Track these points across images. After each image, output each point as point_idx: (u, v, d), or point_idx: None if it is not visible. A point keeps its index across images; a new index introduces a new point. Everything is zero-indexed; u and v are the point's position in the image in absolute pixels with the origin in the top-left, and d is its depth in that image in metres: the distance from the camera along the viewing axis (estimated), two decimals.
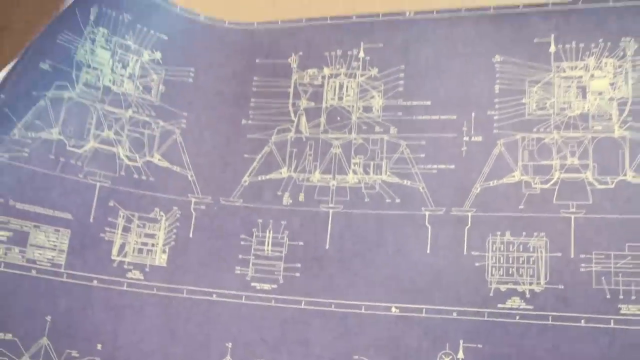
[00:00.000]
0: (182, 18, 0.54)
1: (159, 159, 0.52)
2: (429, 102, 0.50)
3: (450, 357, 0.44)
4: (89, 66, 0.51)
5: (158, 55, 0.53)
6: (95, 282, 0.49)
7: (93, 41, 0.51)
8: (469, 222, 0.46)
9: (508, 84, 0.49)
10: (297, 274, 0.48)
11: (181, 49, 0.54)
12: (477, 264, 0.46)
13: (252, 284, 0.49)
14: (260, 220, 0.50)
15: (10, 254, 0.47)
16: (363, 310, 0.46)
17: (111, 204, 0.50)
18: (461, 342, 0.44)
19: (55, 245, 0.48)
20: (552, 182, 0.46)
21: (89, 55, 0.51)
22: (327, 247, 0.48)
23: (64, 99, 0.50)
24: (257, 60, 0.54)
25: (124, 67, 0.52)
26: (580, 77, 0.48)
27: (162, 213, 0.51)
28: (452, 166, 0.48)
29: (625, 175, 0.45)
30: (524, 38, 0.49)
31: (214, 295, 0.49)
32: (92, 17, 0.51)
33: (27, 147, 0.48)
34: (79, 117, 0.50)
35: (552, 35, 0.48)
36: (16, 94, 0.48)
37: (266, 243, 0.50)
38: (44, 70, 0.49)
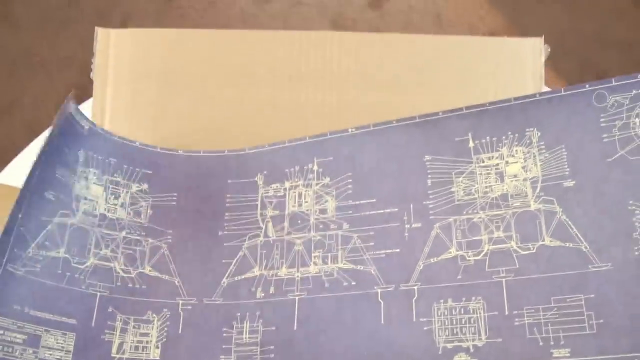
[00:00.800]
0: (163, 155, 0.65)
1: (149, 270, 0.60)
2: (374, 200, 0.58)
3: None
4: (85, 198, 0.60)
5: (145, 186, 0.63)
6: None
7: (86, 179, 0.61)
8: (416, 294, 0.53)
9: (438, 177, 0.57)
10: (272, 355, 0.54)
11: (164, 179, 0.64)
12: (425, 328, 0.52)
13: None
14: (238, 314, 0.57)
15: (25, 354, 0.54)
16: None
17: (110, 309, 0.58)
18: None
19: (62, 347, 0.55)
20: (483, 253, 0.53)
21: (85, 190, 0.61)
22: (295, 328, 0.55)
23: (67, 225, 0.59)
24: (229, 181, 0.63)
25: (116, 198, 0.62)
26: (497, 164, 0.56)
27: (154, 315, 0.58)
28: (398, 250, 0.55)
29: (543, 240, 0.52)
30: (447, 138, 0.58)
31: None
32: (81, 160, 0.61)
33: (39, 263, 0.57)
34: (80, 239, 0.59)
35: (470, 134, 0.57)
36: (30, 217, 0.57)
37: (244, 332, 0.56)
38: (49, 199, 0.58)
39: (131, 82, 0.67)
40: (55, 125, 0.60)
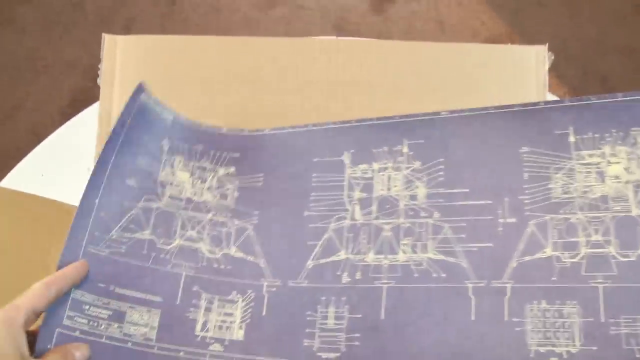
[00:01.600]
0: (249, 137, 0.63)
1: (235, 251, 0.59)
2: (467, 190, 0.56)
3: None
4: (171, 184, 0.60)
5: (232, 169, 0.62)
6: (182, 354, 0.55)
7: (172, 166, 0.60)
8: (508, 292, 0.52)
9: (535, 171, 0.55)
10: (357, 343, 0.54)
11: (251, 161, 0.63)
12: (517, 329, 0.51)
13: (318, 354, 0.54)
14: (323, 298, 0.56)
15: (110, 329, 0.55)
16: None
17: (195, 288, 0.57)
18: None
19: (147, 323, 0.56)
20: (580, 256, 0.52)
21: (170, 176, 0.60)
22: (383, 317, 0.54)
23: (153, 209, 0.58)
24: (315, 160, 0.61)
25: (203, 182, 0.61)
26: (598, 163, 0.54)
27: (238, 295, 0.58)
28: (491, 244, 0.54)
29: None
30: (546, 130, 0.56)
31: None
32: (165, 149, 0.60)
33: (124, 245, 0.57)
34: (166, 221, 0.59)
35: (571, 128, 0.55)
36: (110, 203, 0.57)
37: (329, 317, 0.56)
38: (131, 187, 0.58)
39: (140, 63, 0.66)
40: (129, 115, 0.59)
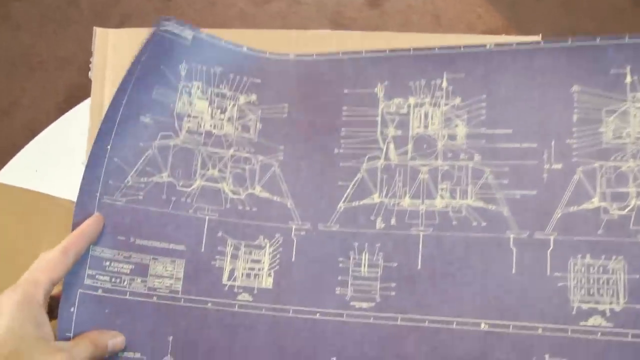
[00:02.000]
0: (272, 60, 0.58)
1: (260, 191, 0.56)
2: (510, 131, 0.52)
3: None
4: (189, 115, 0.55)
5: (253, 97, 0.57)
6: (209, 305, 0.53)
7: (189, 94, 0.55)
8: (552, 245, 0.50)
9: (585, 113, 0.51)
10: (393, 293, 0.52)
11: (274, 88, 0.57)
12: (559, 284, 0.49)
13: (352, 303, 0.53)
14: (356, 244, 0.54)
15: (133, 284, 0.52)
16: (454, 326, 0.51)
17: (219, 234, 0.55)
18: (547, 356, 0.48)
19: (172, 274, 0.53)
20: (629, 208, 0.49)
21: (188, 106, 0.55)
22: (419, 267, 0.52)
23: (170, 147, 0.54)
24: (345, 91, 0.57)
25: (222, 112, 0.56)
26: None
27: (266, 240, 0.55)
28: (534, 192, 0.51)
29: None
30: (601, 69, 0.51)
31: (318, 314, 0.53)
32: (182, 73, 0.55)
33: (141, 191, 0.53)
34: (185, 160, 0.55)
35: (628, 67, 0.51)
36: (124, 146, 0.53)
37: (362, 265, 0.53)
38: (146, 123, 0.53)
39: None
40: (144, 52, 0.54)
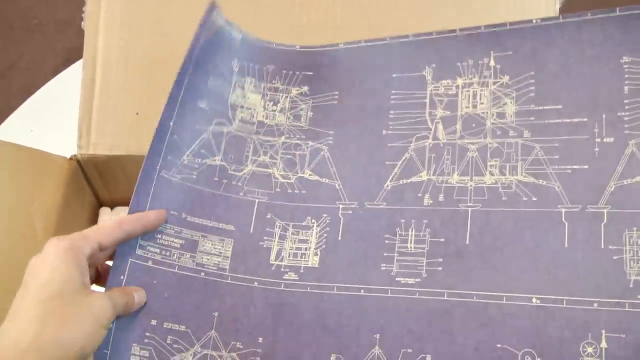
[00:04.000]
0: (324, 52, 0.59)
1: (309, 174, 0.56)
2: (560, 106, 0.52)
3: (593, 346, 0.46)
4: (242, 107, 0.57)
5: (305, 88, 0.59)
6: (256, 284, 0.54)
7: (243, 88, 0.57)
8: (605, 218, 0.48)
9: (637, 84, 0.50)
10: (439, 268, 0.51)
11: (325, 78, 0.59)
12: (615, 258, 0.47)
13: (397, 279, 0.52)
14: (402, 220, 0.53)
15: (182, 258, 0.53)
16: (504, 301, 0.49)
17: (268, 216, 0.55)
18: (603, 332, 0.46)
19: (220, 252, 0.54)
20: None
21: (241, 98, 0.57)
22: (467, 242, 0.51)
23: (224, 133, 0.56)
24: (393, 75, 0.57)
25: (275, 104, 0.58)
26: None
27: (313, 220, 0.55)
28: (586, 166, 0.50)
29: None
30: None
31: (362, 291, 0.52)
32: (235, 70, 0.57)
33: (195, 170, 0.55)
34: (237, 146, 0.57)
35: None
36: (183, 126, 0.55)
37: (409, 240, 0.53)
38: (202, 109, 0.55)
39: (123, 31, 0.62)
40: (201, 36, 0.55)
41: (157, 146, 0.54)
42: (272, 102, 0.58)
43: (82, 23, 0.62)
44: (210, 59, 0.57)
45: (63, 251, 0.46)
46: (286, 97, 0.58)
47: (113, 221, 0.50)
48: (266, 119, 0.58)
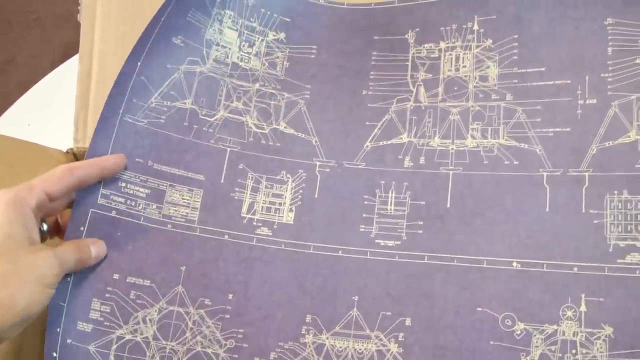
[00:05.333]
0: (304, 2, 0.58)
1: (284, 127, 0.55)
2: (543, 68, 0.51)
3: (573, 310, 0.46)
4: (217, 44, 0.55)
5: (282, 35, 0.57)
6: (226, 237, 0.51)
7: (221, 22, 0.55)
8: (587, 182, 0.48)
9: (621, 45, 0.50)
10: (420, 231, 0.50)
11: (303, 29, 0.57)
12: (595, 222, 0.47)
13: (377, 241, 0.51)
14: (382, 182, 0.52)
15: (148, 209, 0.51)
16: (485, 265, 0.48)
17: (241, 166, 0.53)
18: (583, 295, 0.46)
19: (188, 203, 0.51)
20: None
21: (218, 34, 0.55)
22: (448, 206, 0.50)
23: (196, 73, 0.53)
24: (375, 37, 0.56)
25: (251, 46, 0.56)
26: None
27: (288, 175, 0.53)
28: (568, 129, 0.49)
29: None
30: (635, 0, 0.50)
31: (340, 252, 0.51)
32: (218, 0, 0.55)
33: (163, 114, 0.52)
34: (209, 89, 0.54)
35: None
36: (152, 65, 0.52)
37: (389, 203, 0.51)
38: (177, 45, 0.53)
39: (119, 24, 0.61)
40: None
41: (120, 88, 0.52)
42: (247, 43, 0.56)
43: (78, 16, 0.60)
44: None
45: (5, 205, 0.42)
46: (262, 40, 0.56)
47: (63, 167, 0.47)
48: (241, 61, 0.56)
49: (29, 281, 0.42)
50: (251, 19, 0.56)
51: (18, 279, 0.41)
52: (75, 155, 0.58)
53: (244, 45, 0.56)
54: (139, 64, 0.52)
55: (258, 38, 0.56)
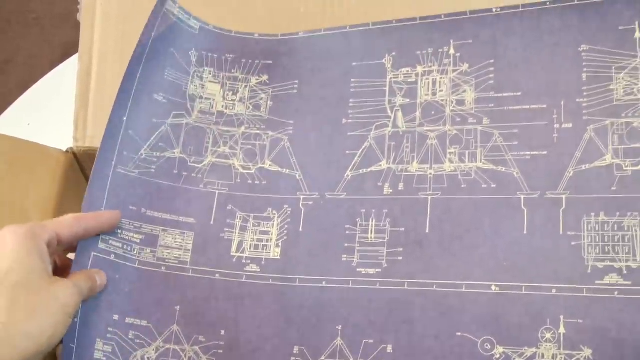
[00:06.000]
0: (284, 42, 0.59)
1: (269, 165, 0.56)
2: (519, 93, 0.52)
3: (552, 332, 0.46)
4: (201, 97, 0.57)
5: (265, 77, 0.58)
6: (217, 276, 0.53)
7: (201, 78, 0.57)
8: (564, 204, 0.48)
9: (595, 71, 0.50)
10: (400, 258, 0.51)
11: (285, 67, 0.58)
12: (573, 243, 0.47)
13: (358, 270, 0.52)
14: (363, 210, 0.53)
15: (143, 253, 0.53)
16: (464, 289, 0.49)
17: (229, 207, 0.55)
18: (562, 317, 0.46)
19: (181, 246, 0.54)
20: None
21: (200, 89, 0.57)
22: (427, 231, 0.51)
23: (183, 125, 0.55)
24: (353, 64, 0.57)
25: (235, 93, 0.58)
26: None
27: (274, 212, 0.55)
28: (545, 152, 0.50)
29: None
30: (609, 26, 0.50)
31: (324, 282, 0.52)
32: (193, 60, 0.57)
33: (154, 164, 0.54)
34: (197, 138, 0.56)
35: (637, 22, 0.50)
36: (138, 120, 0.54)
37: (369, 231, 0.53)
38: (159, 101, 0.55)
39: (119, 23, 0.61)
40: (152, 27, 0.55)
41: (110, 142, 0.53)
42: (231, 92, 0.58)
43: (78, 15, 0.61)
44: (166, 50, 0.56)
45: (23, 238, 0.44)
46: (246, 86, 0.58)
47: (73, 215, 0.50)
48: (226, 109, 0.57)
49: (54, 311, 0.44)
50: (232, 71, 0.58)
51: (44, 309, 0.43)
52: (75, 155, 0.60)
53: (227, 94, 0.57)
54: (124, 119, 0.54)
55: (241, 85, 0.58)
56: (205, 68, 0.57)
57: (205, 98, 0.57)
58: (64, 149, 0.57)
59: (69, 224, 0.49)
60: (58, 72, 0.80)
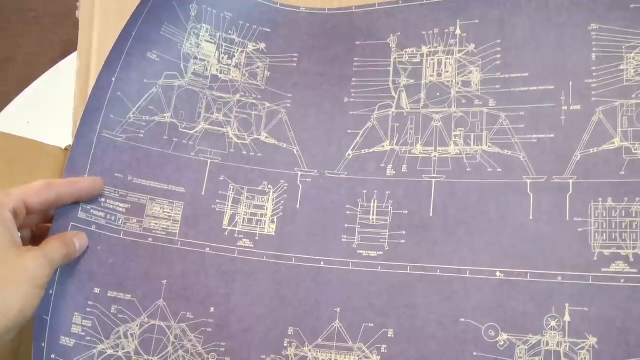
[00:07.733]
0: (283, 12, 0.57)
1: (266, 137, 0.54)
2: (526, 74, 0.50)
3: (557, 320, 0.45)
4: (195, 58, 0.54)
5: (262, 45, 0.56)
6: (207, 250, 0.51)
7: (197, 36, 0.54)
8: (571, 189, 0.47)
9: (605, 51, 0.49)
10: (402, 241, 0.50)
11: (284, 38, 0.56)
12: (579, 230, 0.46)
13: (359, 251, 0.50)
14: (364, 191, 0.52)
15: (129, 223, 0.50)
16: (468, 275, 0.47)
17: (222, 178, 0.53)
18: (567, 305, 0.45)
19: (169, 216, 0.51)
20: None
21: (195, 48, 0.54)
22: (431, 215, 0.50)
23: (175, 87, 0.53)
24: (357, 43, 0.55)
25: (230, 57, 0.55)
26: None
27: (270, 186, 0.53)
28: (552, 135, 0.49)
29: None
30: (620, 4, 0.49)
31: (322, 263, 0.50)
32: (192, 14, 0.54)
33: (142, 129, 0.52)
34: (189, 102, 0.54)
35: None
36: (128, 80, 0.52)
37: (371, 212, 0.51)
38: (152, 60, 0.52)
39: (119, 20, 0.60)
40: None
41: (95, 105, 0.51)
42: (227, 55, 0.56)
43: (77, 12, 0.60)
44: (165, 5, 0.54)
45: None
46: (242, 51, 0.56)
47: (42, 181, 0.46)
48: (220, 73, 0.55)
49: (21, 284, 0.41)
50: (229, 32, 0.56)
51: (10, 284, 0.41)
52: None
53: (223, 58, 0.55)
54: (113, 79, 0.51)
55: (237, 50, 0.56)
56: (203, 25, 0.55)
57: (200, 59, 0.55)
58: (63, 147, 0.56)
59: (37, 191, 0.46)
60: (57, 70, 0.79)
